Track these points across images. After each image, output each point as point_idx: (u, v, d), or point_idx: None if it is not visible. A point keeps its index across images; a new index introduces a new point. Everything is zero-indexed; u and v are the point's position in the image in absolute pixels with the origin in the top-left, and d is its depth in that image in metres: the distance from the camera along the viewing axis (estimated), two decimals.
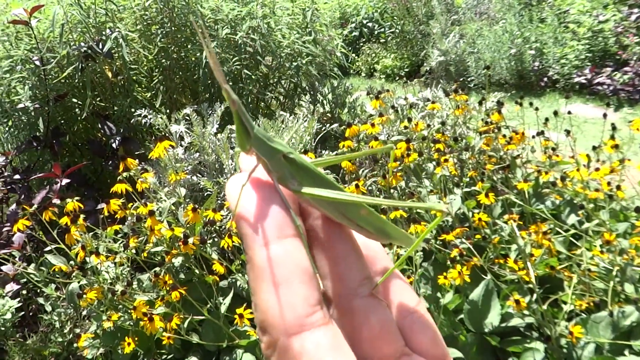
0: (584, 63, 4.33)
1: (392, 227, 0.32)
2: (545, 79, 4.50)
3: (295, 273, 0.25)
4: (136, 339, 1.44)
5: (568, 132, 1.83)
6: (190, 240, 1.39)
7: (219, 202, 1.81)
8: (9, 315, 1.77)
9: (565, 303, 1.38)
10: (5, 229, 2.04)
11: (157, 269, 1.48)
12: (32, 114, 2.41)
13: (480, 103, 2.06)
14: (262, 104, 2.92)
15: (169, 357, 1.59)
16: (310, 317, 0.24)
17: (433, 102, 2.16)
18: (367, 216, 0.30)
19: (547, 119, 1.92)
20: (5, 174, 2.31)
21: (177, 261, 1.60)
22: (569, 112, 1.98)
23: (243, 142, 0.29)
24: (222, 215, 1.57)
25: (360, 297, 0.27)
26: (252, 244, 0.25)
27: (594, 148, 1.75)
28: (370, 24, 6.41)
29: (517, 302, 1.34)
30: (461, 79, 4.85)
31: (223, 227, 1.69)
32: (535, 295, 1.38)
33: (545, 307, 1.35)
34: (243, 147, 0.29)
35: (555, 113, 1.97)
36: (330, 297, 0.28)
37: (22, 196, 2.20)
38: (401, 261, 0.33)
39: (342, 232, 0.29)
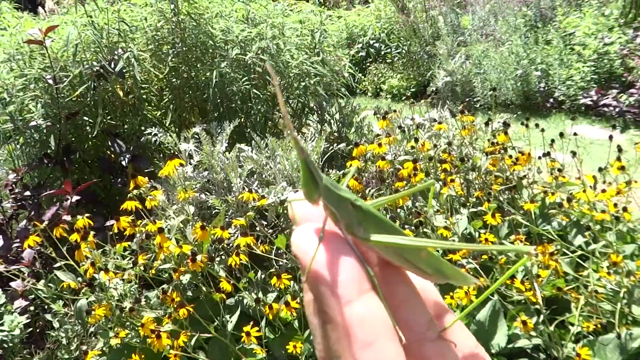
0: (590, 85, 4.34)
1: (450, 267, 0.32)
2: (551, 100, 4.51)
3: (381, 331, 0.24)
4: (143, 356, 1.43)
5: (574, 154, 1.84)
6: (198, 257, 1.40)
7: (226, 220, 1.82)
8: (17, 332, 1.77)
9: (572, 324, 1.37)
10: (15, 245, 2.06)
11: (165, 286, 1.49)
12: (44, 131, 2.44)
13: (486, 124, 2.08)
14: (270, 123, 2.95)
15: None
16: None
17: (439, 123, 2.18)
18: (427, 258, 0.30)
19: (553, 140, 1.93)
20: (16, 190, 2.33)
21: (185, 279, 1.61)
22: (575, 134, 2.00)
23: (311, 191, 0.28)
24: (229, 233, 1.59)
25: (430, 342, 0.26)
26: (332, 303, 0.24)
27: (600, 169, 1.76)
28: (376, 45, 6.48)
29: (524, 323, 1.34)
30: (467, 100, 4.88)
31: (230, 245, 1.70)
32: (542, 317, 1.37)
33: (552, 328, 1.34)
34: (310, 197, 0.28)
35: (561, 134, 1.98)
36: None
37: (33, 213, 2.22)
38: (474, 305, 0.34)
39: (400, 275, 0.28)
